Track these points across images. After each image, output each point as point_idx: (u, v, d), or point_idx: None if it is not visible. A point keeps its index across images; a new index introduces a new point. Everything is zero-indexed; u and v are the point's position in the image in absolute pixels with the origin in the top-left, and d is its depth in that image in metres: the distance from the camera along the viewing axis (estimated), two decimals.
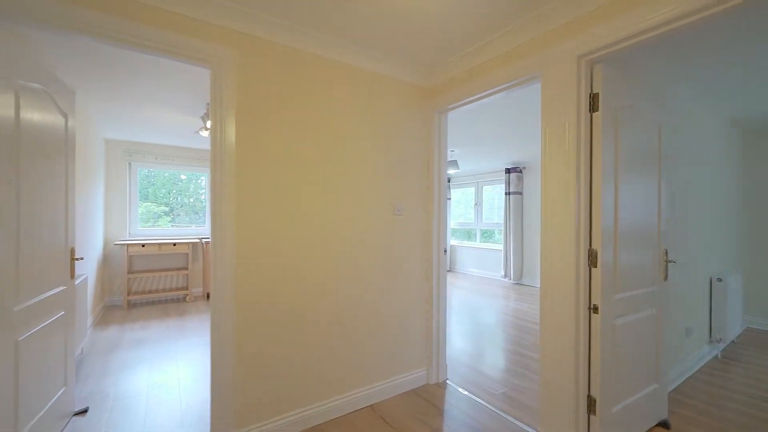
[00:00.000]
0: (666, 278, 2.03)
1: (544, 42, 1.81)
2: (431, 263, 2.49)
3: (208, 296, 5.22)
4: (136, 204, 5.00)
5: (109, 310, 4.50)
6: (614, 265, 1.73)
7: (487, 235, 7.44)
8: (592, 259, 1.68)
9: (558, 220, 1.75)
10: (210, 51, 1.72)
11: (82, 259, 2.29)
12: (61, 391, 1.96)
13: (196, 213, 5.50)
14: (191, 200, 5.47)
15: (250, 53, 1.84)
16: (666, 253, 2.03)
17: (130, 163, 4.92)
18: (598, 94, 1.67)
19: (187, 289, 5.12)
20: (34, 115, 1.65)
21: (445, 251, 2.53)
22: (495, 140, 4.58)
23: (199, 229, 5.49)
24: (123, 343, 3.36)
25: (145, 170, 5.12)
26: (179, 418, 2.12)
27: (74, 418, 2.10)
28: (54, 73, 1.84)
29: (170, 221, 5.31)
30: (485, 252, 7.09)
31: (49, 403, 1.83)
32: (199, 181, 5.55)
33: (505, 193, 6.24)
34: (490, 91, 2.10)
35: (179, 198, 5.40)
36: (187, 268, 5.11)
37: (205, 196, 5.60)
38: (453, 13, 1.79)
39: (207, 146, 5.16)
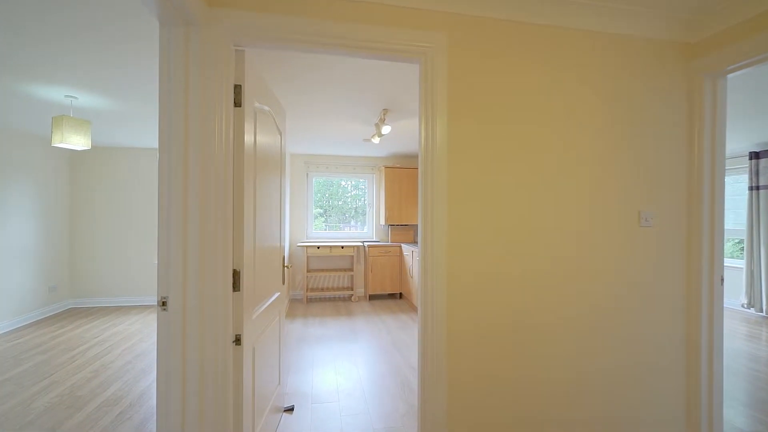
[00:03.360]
0: None
1: None
2: (699, 296, 1.71)
3: (369, 297, 5.45)
4: (312, 210, 5.62)
5: (293, 303, 5.16)
6: None
7: None
8: None
9: None
10: (421, 40, 1.49)
11: (290, 267, 2.47)
12: (277, 389, 2.10)
13: (344, 214, 5.84)
14: (339, 203, 5.84)
15: (458, 34, 1.55)
16: None
17: (307, 174, 5.56)
18: None
19: (351, 289, 5.46)
20: (262, 135, 1.76)
21: (722, 279, 1.71)
22: (730, 111, 3.16)
23: (353, 231, 5.80)
24: (307, 338, 3.68)
25: (319, 179, 5.72)
26: None
27: (284, 414, 2.26)
28: (275, 94, 1.97)
29: (324, 222, 5.77)
30: None
31: (272, 400, 1.96)
32: (345, 184, 5.87)
33: (750, 188, 4.38)
34: None
35: (331, 201, 5.83)
36: (352, 270, 5.46)
37: (351, 198, 5.88)
38: None
39: (370, 153, 5.40)
